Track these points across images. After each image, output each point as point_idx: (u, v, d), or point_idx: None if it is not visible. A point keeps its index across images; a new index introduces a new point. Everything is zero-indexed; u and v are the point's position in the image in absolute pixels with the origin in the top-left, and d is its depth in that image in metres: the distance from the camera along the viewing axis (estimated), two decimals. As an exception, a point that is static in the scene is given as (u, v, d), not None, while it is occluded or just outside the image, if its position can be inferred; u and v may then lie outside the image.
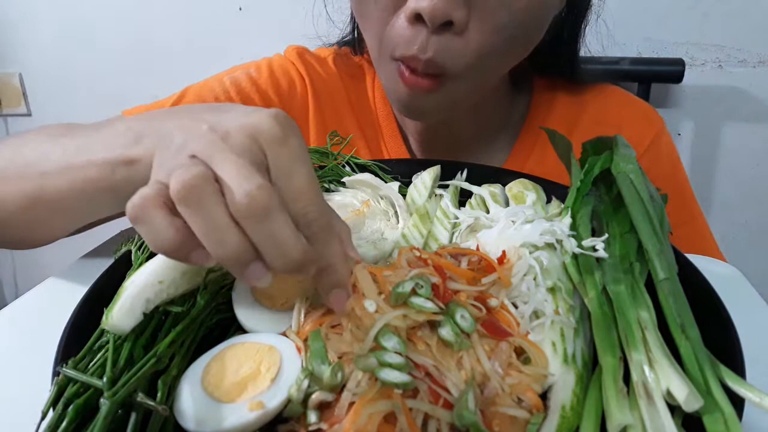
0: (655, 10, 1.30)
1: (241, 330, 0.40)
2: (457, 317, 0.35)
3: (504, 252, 0.42)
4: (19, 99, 1.84)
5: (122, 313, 0.36)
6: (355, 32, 0.82)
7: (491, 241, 0.44)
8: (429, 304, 0.35)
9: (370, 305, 0.35)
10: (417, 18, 0.54)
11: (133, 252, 0.46)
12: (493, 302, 0.39)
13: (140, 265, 0.43)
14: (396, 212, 0.53)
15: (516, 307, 0.39)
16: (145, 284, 0.38)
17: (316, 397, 0.33)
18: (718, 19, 1.27)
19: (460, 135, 0.78)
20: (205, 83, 0.81)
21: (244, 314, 0.40)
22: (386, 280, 0.37)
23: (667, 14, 1.30)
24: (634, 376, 0.33)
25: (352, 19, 0.81)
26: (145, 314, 0.37)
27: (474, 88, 0.62)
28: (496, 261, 0.42)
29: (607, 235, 0.43)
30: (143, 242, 0.47)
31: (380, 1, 0.58)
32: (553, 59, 0.75)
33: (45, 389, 0.34)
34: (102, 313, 0.36)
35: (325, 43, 0.86)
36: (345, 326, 0.36)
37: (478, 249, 0.44)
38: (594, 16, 0.74)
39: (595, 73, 0.82)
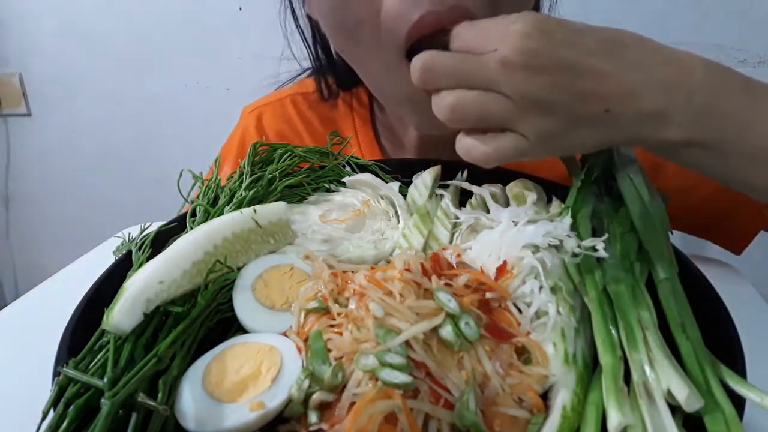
0: (655, 10, 1.30)
1: (241, 330, 0.40)
2: (461, 324, 0.35)
3: (505, 262, 0.42)
4: (19, 99, 1.84)
5: (123, 314, 0.36)
6: (320, 76, 0.80)
7: (493, 243, 0.44)
8: (453, 304, 0.36)
9: (377, 310, 0.35)
10: None
11: (133, 252, 0.46)
12: (494, 303, 0.39)
13: (140, 265, 0.43)
14: (396, 212, 0.53)
15: (517, 307, 0.39)
16: (146, 284, 0.38)
17: (317, 397, 0.33)
18: (718, 19, 1.27)
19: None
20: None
21: (244, 314, 0.40)
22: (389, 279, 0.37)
23: (666, 14, 1.30)
24: (635, 376, 0.33)
25: (317, 58, 0.77)
26: (145, 314, 0.37)
27: None
28: (495, 271, 0.41)
29: (607, 235, 0.43)
30: (143, 242, 0.47)
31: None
32: None
33: (45, 389, 0.34)
34: (102, 313, 0.36)
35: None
36: (345, 326, 0.36)
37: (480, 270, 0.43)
38: None
39: None
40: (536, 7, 0.71)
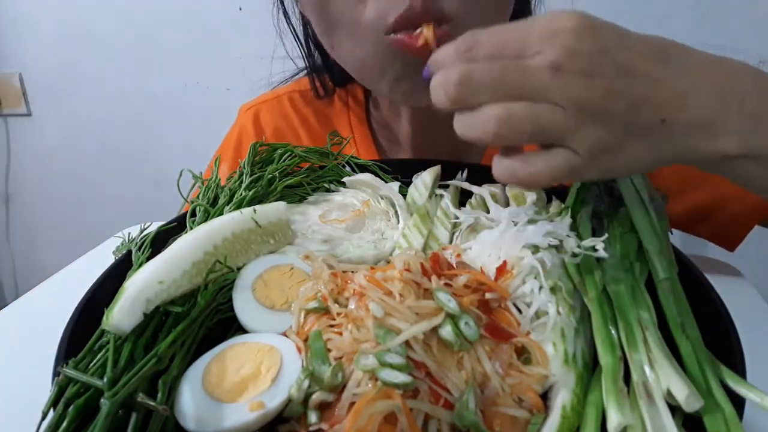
0: (655, 10, 1.30)
1: (241, 330, 0.40)
2: (461, 324, 0.35)
3: (505, 262, 0.42)
4: (19, 99, 1.84)
5: (122, 314, 0.36)
6: (313, 74, 0.80)
7: (493, 243, 0.44)
8: (453, 304, 0.36)
9: (377, 310, 0.35)
10: None
11: (133, 252, 0.46)
12: (494, 303, 0.39)
13: (140, 265, 0.43)
14: (396, 212, 0.53)
15: (517, 307, 0.39)
16: (146, 284, 0.38)
17: (317, 397, 0.33)
18: (718, 19, 1.27)
19: (450, 139, 0.76)
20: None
21: (244, 314, 0.40)
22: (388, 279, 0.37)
23: (666, 14, 1.30)
24: (635, 376, 0.33)
25: (309, 55, 0.78)
26: (145, 314, 0.37)
27: None
28: (495, 271, 0.41)
29: (607, 235, 0.43)
30: (143, 242, 0.47)
31: None
32: None
33: (45, 389, 0.34)
34: (102, 313, 0.36)
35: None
36: (345, 326, 0.36)
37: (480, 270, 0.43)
38: None
39: None
40: (528, 7, 0.71)
